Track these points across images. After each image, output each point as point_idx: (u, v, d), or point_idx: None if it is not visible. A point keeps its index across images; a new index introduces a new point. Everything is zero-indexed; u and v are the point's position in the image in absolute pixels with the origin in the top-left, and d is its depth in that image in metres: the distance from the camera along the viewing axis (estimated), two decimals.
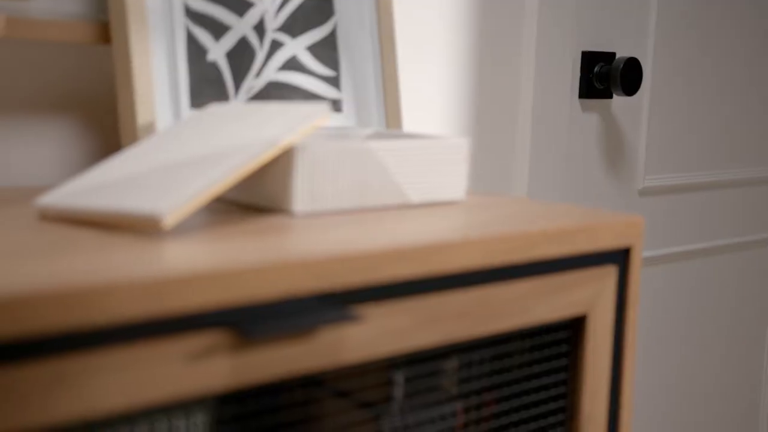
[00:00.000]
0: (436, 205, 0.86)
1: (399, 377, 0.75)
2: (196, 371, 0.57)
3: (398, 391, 0.75)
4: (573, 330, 0.83)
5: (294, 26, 0.98)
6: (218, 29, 0.92)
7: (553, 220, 0.79)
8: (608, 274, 0.82)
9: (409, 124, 1.25)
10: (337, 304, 0.64)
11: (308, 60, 0.99)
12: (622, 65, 1.46)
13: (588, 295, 0.81)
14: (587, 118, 1.51)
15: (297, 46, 0.98)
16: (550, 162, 1.41)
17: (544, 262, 0.77)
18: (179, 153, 0.74)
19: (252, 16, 0.95)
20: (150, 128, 0.86)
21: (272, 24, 0.96)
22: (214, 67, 0.92)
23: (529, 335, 0.84)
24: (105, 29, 0.91)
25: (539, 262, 0.77)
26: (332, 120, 1.00)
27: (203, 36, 0.91)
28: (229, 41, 0.93)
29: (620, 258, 0.83)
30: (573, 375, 0.83)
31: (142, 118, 0.85)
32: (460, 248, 0.70)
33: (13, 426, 0.50)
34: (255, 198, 0.79)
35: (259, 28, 0.95)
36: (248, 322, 0.59)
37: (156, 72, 0.87)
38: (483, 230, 0.73)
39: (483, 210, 0.84)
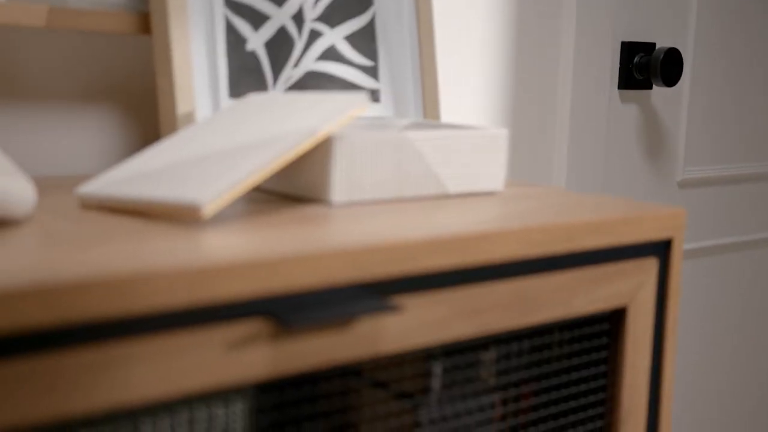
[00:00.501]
0: (475, 195, 0.85)
1: (437, 368, 0.74)
2: (235, 360, 0.57)
3: (436, 382, 0.74)
4: (613, 322, 0.82)
5: (332, 16, 0.98)
6: (257, 19, 0.92)
7: (595, 211, 0.79)
8: (649, 266, 0.81)
9: (446, 114, 1.24)
10: (376, 294, 0.64)
11: (346, 50, 0.98)
12: (662, 56, 1.44)
13: (628, 287, 0.80)
14: (626, 109, 1.50)
15: (335, 36, 0.97)
16: (588, 153, 1.40)
17: (584, 254, 0.76)
18: (218, 143, 0.74)
19: (291, 6, 0.95)
20: (189, 118, 0.86)
21: (311, 14, 0.96)
22: (252, 56, 0.92)
23: (568, 327, 0.83)
24: (145, 19, 0.91)
25: (579, 254, 0.76)
26: (370, 110, 1.00)
27: (242, 26, 0.91)
28: (268, 31, 0.93)
29: (661, 250, 0.82)
30: (612, 368, 0.82)
31: (181, 107, 0.86)
32: (499, 239, 0.70)
33: (58, 412, 0.51)
34: (293, 188, 0.79)
35: (298, 18, 0.95)
36: (287, 311, 0.60)
37: (195, 62, 0.88)
38: (522, 221, 0.73)
39: (522, 200, 0.84)
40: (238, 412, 0.67)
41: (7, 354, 0.49)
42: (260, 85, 0.92)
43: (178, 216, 0.68)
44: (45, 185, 0.81)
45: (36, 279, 0.49)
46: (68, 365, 0.51)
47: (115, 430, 0.61)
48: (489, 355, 0.79)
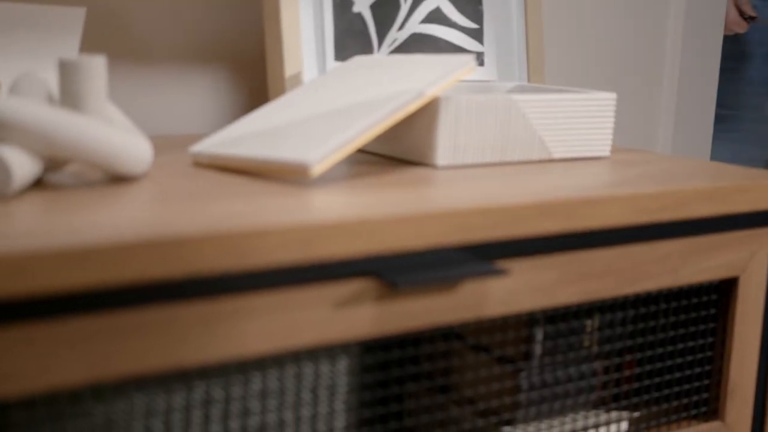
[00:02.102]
0: (580, 160, 0.84)
1: (539, 333, 0.74)
2: (341, 318, 0.58)
3: (538, 348, 0.74)
4: (722, 293, 0.80)
5: None
6: None
7: (707, 179, 0.76)
8: (762, 236, 0.79)
9: (551, 78, 1.22)
10: (481, 257, 0.64)
11: (451, 12, 0.98)
12: None
13: (740, 258, 0.78)
14: None
15: None
16: (695, 121, 1.36)
17: (695, 222, 0.74)
18: (325, 104, 0.75)
19: None
20: (296, 80, 0.87)
21: None
22: (358, 19, 0.92)
23: (675, 297, 0.81)
24: None
25: (689, 222, 0.74)
26: (474, 73, 0.99)
27: None
28: None
29: None
30: (720, 340, 0.80)
31: (289, 69, 0.87)
32: (608, 204, 0.69)
33: (170, 363, 0.53)
34: (397, 150, 0.80)
35: None
36: (393, 271, 0.60)
37: (303, 24, 0.88)
38: (631, 187, 0.71)
39: (630, 166, 0.82)
40: (342, 369, 0.68)
41: (124, 304, 0.51)
42: (365, 48, 0.93)
43: (287, 175, 0.69)
44: (159, 144, 0.83)
45: (152, 233, 0.51)
46: (182, 318, 0.52)
47: (227, 382, 0.63)
48: (593, 322, 0.79)
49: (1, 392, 0.48)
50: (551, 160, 0.83)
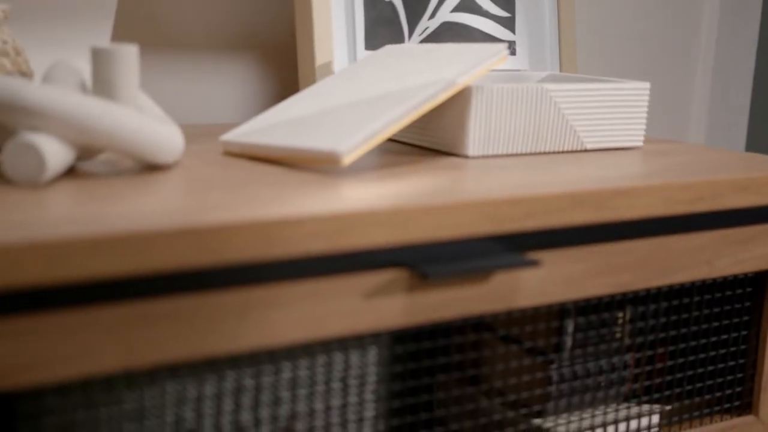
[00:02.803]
0: (613, 150, 0.83)
1: (570, 325, 0.73)
2: (372, 308, 0.58)
3: (569, 340, 0.74)
4: (756, 285, 0.79)
5: None
6: None
7: (742, 170, 0.75)
8: None
9: (583, 68, 1.21)
10: (512, 248, 0.63)
11: (483, 0, 0.97)
12: None
13: None
14: None
15: None
16: (731, 110, 1.34)
17: (728, 213, 0.73)
18: (356, 93, 0.74)
19: None
20: (327, 69, 0.87)
21: None
22: (389, 7, 0.92)
23: (708, 289, 0.80)
24: None
25: (724, 213, 0.73)
26: (506, 62, 0.98)
27: None
28: None
29: None
30: (754, 333, 0.79)
31: (319, 59, 0.86)
32: (639, 195, 0.68)
33: (202, 351, 0.53)
34: (428, 139, 0.79)
35: None
36: (424, 262, 0.60)
37: (334, 13, 0.88)
38: (664, 177, 0.71)
39: (663, 157, 0.81)
40: (373, 359, 0.68)
41: (156, 292, 0.51)
42: (396, 37, 0.92)
43: (318, 164, 0.69)
44: (189, 133, 0.84)
45: (184, 222, 0.51)
46: (214, 306, 0.53)
47: (257, 370, 0.63)
48: (624, 314, 0.78)
49: (36, 378, 0.48)
50: (583, 151, 0.82)
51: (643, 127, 0.85)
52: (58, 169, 0.58)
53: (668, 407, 0.79)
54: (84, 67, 0.65)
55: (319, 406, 0.65)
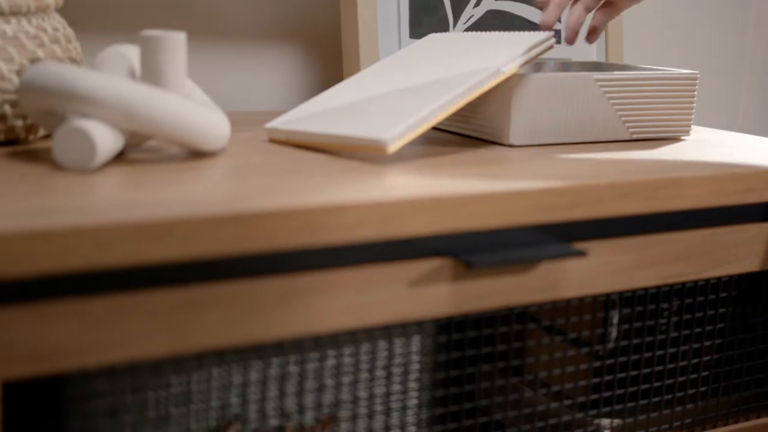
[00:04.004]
0: (661, 140, 0.82)
1: (615, 317, 0.73)
2: (416, 296, 0.58)
3: (614, 331, 0.73)
4: None
5: None
6: None
7: None
8: None
9: (629, 56, 1.20)
10: (559, 238, 0.63)
11: None
12: None
13: None
14: None
15: None
16: None
17: None
18: (401, 81, 0.74)
19: None
20: (372, 57, 0.87)
21: None
22: None
23: (756, 281, 0.79)
24: None
25: None
26: (552, 51, 0.97)
27: None
28: None
29: None
30: None
31: (364, 47, 0.86)
32: (689, 185, 0.67)
33: (248, 337, 0.53)
34: (472, 128, 0.79)
35: None
36: (469, 251, 0.60)
37: (380, 1, 0.88)
38: (714, 168, 0.69)
39: (713, 147, 0.80)
40: (416, 347, 0.68)
41: (204, 278, 0.51)
42: (441, 25, 0.92)
43: (363, 152, 0.69)
44: (234, 120, 0.84)
45: (233, 208, 0.51)
46: (260, 293, 0.53)
47: (302, 357, 0.63)
48: (671, 306, 0.77)
49: (85, 362, 0.49)
50: (630, 141, 0.81)
51: (692, 116, 0.83)
52: (108, 155, 0.59)
53: (714, 401, 0.78)
54: (133, 54, 0.65)
55: (362, 393, 0.66)
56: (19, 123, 0.64)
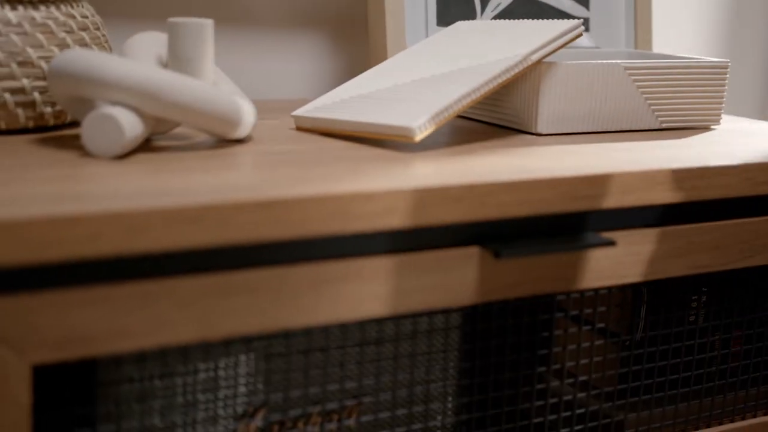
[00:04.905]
0: (690, 130, 0.81)
1: (644, 307, 0.72)
2: (444, 284, 0.58)
3: (642, 322, 0.72)
4: None
5: None
6: None
7: None
8: None
9: (658, 45, 1.19)
10: (588, 227, 0.62)
11: None
12: None
13: None
14: None
15: None
16: None
17: None
18: (428, 69, 0.74)
19: None
20: (399, 45, 0.86)
21: None
22: None
23: None
24: None
25: None
26: (580, 39, 0.96)
27: None
28: None
29: None
30: None
31: (391, 35, 0.86)
32: (719, 175, 0.66)
33: (277, 324, 0.53)
34: (499, 116, 0.78)
35: None
36: (497, 240, 0.59)
37: None
38: (744, 158, 0.69)
39: (743, 137, 0.79)
40: (443, 335, 0.68)
41: (234, 265, 0.51)
42: (468, 13, 0.91)
43: (390, 139, 0.69)
44: (261, 108, 0.84)
45: (262, 195, 0.51)
46: (290, 280, 0.53)
47: (328, 341, 0.63)
48: (700, 296, 0.76)
49: (116, 347, 0.49)
50: (659, 130, 0.80)
51: (722, 106, 0.82)
52: (135, 142, 0.59)
53: (742, 393, 0.78)
54: (161, 42, 0.65)
55: (387, 381, 0.66)
56: (48, 110, 0.65)
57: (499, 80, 0.70)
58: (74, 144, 0.62)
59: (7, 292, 0.46)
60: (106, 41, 0.70)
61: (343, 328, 0.63)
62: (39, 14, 0.64)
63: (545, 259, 0.61)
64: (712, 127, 0.83)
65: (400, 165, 0.61)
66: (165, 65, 0.65)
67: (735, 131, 0.82)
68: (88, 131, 0.58)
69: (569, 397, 0.70)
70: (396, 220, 0.55)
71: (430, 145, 0.69)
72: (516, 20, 0.82)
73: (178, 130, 0.70)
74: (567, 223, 0.62)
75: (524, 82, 0.76)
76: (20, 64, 0.62)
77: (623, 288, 0.68)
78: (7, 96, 0.62)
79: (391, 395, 0.65)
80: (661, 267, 0.66)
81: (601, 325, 0.73)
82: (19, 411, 0.47)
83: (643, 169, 0.63)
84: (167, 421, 0.58)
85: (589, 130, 0.77)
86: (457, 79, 0.70)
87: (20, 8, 0.63)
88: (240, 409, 0.61)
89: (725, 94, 0.82)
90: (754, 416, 0.76)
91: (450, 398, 0.69)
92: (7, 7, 0.63)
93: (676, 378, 0.75)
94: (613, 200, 0.62)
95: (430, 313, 0.66)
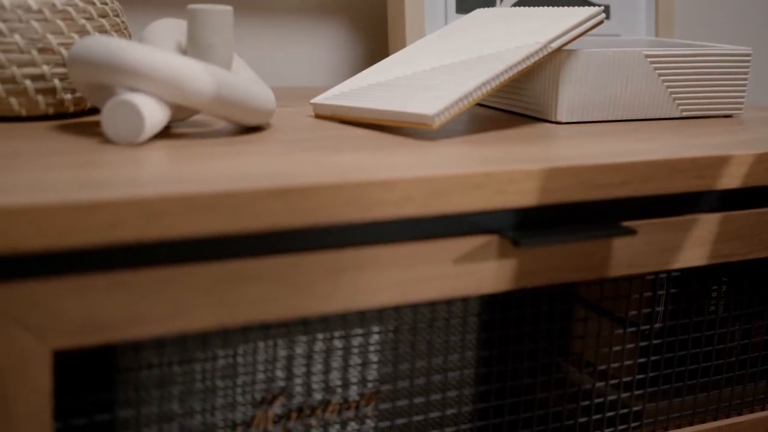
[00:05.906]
0: (712, 118, 0.81)
1: (663, 297, 0.72)
2: (463, 273, 0.58)
3: (661, 312, 0.72)
4: None
5: None
6: None
7: None
8: None
9: (680, 32, 1.18)
10: (607, 216, 0.62)
11: None
12: None
13: None
14: None
15: None
16: None
17: None
18: (447, 57, 0.73)
19: None
20: (418, 33, 0.86)
21: None
22: None
23: None
24: None
25: None
26: (601, 27, 0.96)
27: None
28: None
29: None
30: None
31: (410, 22, 0.86)
32: (741, 164, 0.65)
33: (294, 311, 0.53)
34: (519, 104, 0.78)
35: None
36: (516, 228, 0.59)
37: None
38: (767, 146, 0.68)
39: (764, 125, 0.78)
40: (461, 324, 0.68)
41: (251, 252, 0.51)
42: (488, 0, 0.91)
43: (409, 127, 0.68)
44: (279, 96, 0.84)
45: (280, 183, 0.51)
46: (307, 267, 0.53)
47: (347, 330, 0.63)
48: (720, 286, 0.76)
49: (135, 334, 0.49)
50: (680, 118, 0.80)
51: (744, 94, 0.82)
52: (155, 129, 0.59)
53: (763, 383, 0.77)
54: (181, 28, 0.65)
55: (406, 369, 0.66)
56: (68, 96, 0.65)
57: (519, 68, 0.69)
58: (94, 131, 0.62)
59: (28, 278, 0.47)
60: (126, 28, 0.70)
61: (361, 315, 0.63)
62: (59, 0, 0.64)
63: (565, 248, 0.61)
64: (733, 115, 0.82)
65: (418, 152, 0.61)
66: (184, 52, 0.65)
67: (757, 120, 0.81)
68: (107, 118, 0.58)
69: (588, 386, 0.69)
70: (414, 207, 0.55)
71: (448, 132, 0.69)
72: (536, 7, 0.82)
73: (196, 117, 0.70)
74: (587, 212, 0.61)
75: (544, 69, 0.75)
76: (40, 50, 0.63)
77: (643, 277, 0.68)
78: (28, 82, 0.63)
79: (409, 383, 0.65)
80: (681, 256, 0.65)
81: (621, 314, 0.72)
82: (40, 396, 0.48)
83: (663, 157, 0.63)
84: (186, 407, 0.58)
85: (610, 119, 0.77)
86: (476, 66, 0.69)
87: None
88: (258, 396, 0.61)
89: (747, 82, 0.81)
90: None
91: (467, 386, 0.69)
92: None
93: (695, 368, 0.75)
94: (633, 189, 0.62)
95: (449, 302, 0.66)
